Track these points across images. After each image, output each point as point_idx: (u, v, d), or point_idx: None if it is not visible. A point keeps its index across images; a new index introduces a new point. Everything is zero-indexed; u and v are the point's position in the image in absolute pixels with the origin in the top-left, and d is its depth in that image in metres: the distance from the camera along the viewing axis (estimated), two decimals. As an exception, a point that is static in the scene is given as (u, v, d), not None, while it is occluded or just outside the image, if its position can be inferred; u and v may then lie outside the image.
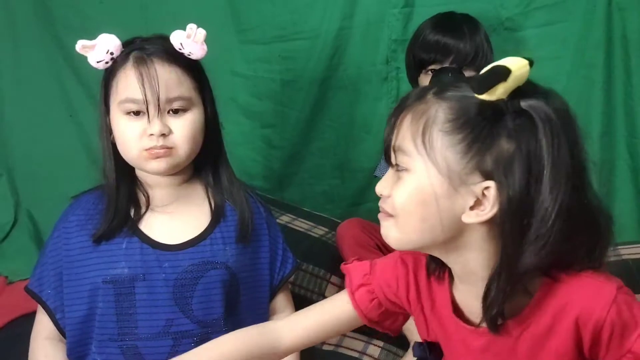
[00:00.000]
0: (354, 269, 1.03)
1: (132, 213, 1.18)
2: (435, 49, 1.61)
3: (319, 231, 1.86)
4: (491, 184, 0.78)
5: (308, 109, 2.00)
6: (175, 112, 1.14)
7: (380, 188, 0.87)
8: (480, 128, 0.78)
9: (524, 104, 0.78)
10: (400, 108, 0.85)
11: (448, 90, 0.82)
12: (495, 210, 0.79)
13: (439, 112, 0.81)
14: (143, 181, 1.21)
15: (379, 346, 1.58)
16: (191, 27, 1.11)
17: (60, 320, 1.18)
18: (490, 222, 0.80)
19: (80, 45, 1.09)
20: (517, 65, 0.76)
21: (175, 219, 1.20)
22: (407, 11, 1.85)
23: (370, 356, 1.54)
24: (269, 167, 2.10)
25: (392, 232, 0.86)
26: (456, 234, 0.83)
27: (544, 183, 0.77)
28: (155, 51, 1.13)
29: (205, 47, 1.13)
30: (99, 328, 1.15)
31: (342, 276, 1.64)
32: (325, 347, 1.57)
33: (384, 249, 1.61)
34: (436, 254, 0.89)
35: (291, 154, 2.07)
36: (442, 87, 0.83)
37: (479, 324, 0.86)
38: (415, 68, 1.68)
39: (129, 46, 1.14)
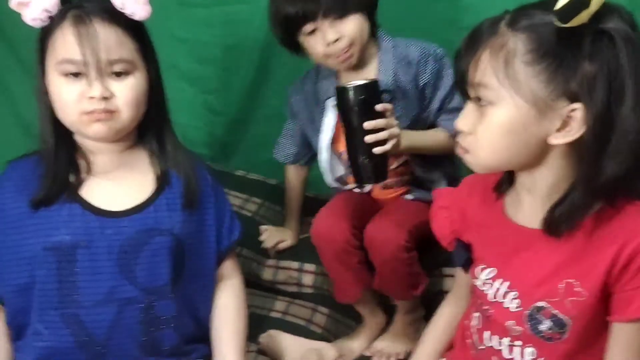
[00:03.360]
0: (438, 195, 1.18)
1: (72, 179, 1.15)
2: None
3: (251, 206, 1.85)
4: (578, 105, 0.84)
5: (252, 74, 1.98)
6: (118, 75, 1.10)
7: (462, 125, 0.94)
8: (562, 55, 0.83)
9: (603, 25, 0.81)
10: (474, 44, 0.89)
11: (521, 20, 0.86)
12: (582, 129, 0.84)
13: (518, 44, 0.85)
14: (83, 147, 1.17)
15: (325, 314, 1.60)
16: None
17: None
18: (573, 142, 0.86)
19: (15, 2, 1.05)
20: None
21: (118, 185, 1.17)
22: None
23: (317, 324, 1.56)
24: (212, 134, 2.08)
25: (477, 162, 0.95)
26: (539, 155, 0.91)
27: (626, 99, 0.82)
28: (94, 10, 1.08)
29: (148, 7, 1.09)
30: (40, 296, 1.12)
31: (277, 258, 1.65)
32: (273, 315, 1.58)
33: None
34: (514, 170, 0.99)
35: (235, 121, 2.05)
36: (513, 17, 0.87)
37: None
38: (284, 30, 1.47)
39: (66, 4, 1.09)
